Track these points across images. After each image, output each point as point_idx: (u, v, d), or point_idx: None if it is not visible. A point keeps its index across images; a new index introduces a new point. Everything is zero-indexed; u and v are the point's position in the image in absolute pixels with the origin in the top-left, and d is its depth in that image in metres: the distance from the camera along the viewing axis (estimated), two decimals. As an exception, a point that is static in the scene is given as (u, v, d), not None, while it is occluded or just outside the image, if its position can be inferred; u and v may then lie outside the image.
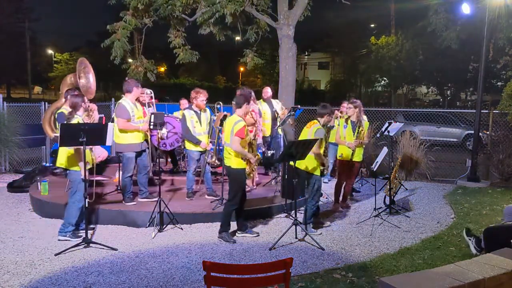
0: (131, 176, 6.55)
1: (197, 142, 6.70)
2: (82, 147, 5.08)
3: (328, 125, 6.42)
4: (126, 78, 11.52)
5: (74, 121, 5.37)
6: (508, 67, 14.95)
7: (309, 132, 5.79)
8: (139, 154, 6.47)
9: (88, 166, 5.42)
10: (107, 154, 7.84)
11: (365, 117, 8.09)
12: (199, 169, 7.05)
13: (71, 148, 5.28)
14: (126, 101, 6.41)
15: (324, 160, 5.82)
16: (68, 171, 5.54)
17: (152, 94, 6.88)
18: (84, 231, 5.59)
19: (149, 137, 6.61)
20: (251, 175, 5.52)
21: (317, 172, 5.81)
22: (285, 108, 8.38)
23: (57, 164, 5.58)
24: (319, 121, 5.83)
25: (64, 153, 5.41)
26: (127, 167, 6.46)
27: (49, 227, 6.00)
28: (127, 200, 6.48)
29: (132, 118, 6.34)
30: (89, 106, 6.37)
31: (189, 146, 6.81)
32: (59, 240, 5.42)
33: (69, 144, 5.20)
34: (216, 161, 6.99)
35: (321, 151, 5.80)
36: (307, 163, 5.75)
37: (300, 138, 5.96)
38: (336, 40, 37.36)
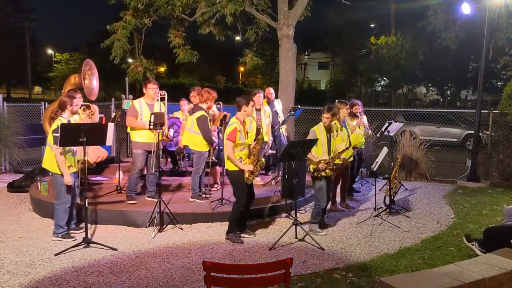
0: (140, 174, 6.56)
1: (213, 143, 6.79)
2: (61, 150, 5.15)
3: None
4: (126, 79, 11.57)
5: (55, 123, 5.26)
6: (508, 67, 14.93)
7: None
8: (149, 153, 6.46)
9: (73, 170, 5.43)
10: (107, 154, 7.87)
11: (365, 117, 8.08)
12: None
13: (53, 150, 5.26)
14: (139, 100, 6.57)
15: (317, 163, 5.70)
16: (51, 173, 5.53)
17: (165, 95, 6.89)
18: (74, 231, 5.64)
19: (166, 135, 6.60)
20: (250, 178, 5.35)
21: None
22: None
23: (43, 165, 5.57)
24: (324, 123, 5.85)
25: (48, 155, 5.41)
26: (134, 163, 6.57)
27: (49, 227, 5.97)
28: (129, 198, 6.51)
29: (140, 117, 6.41)
30: (82, 108, 6.42)
31: (202, 147, 6.73)
32: (52, 240, 5.46)
33: (69, 144, 5.21)
34: (213, 158, 7.11)
35: (318, 153, 5.76)
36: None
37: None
38: (336, 40, 37.39)
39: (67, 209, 5.45)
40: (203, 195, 6.92)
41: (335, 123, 5.96)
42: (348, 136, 6.33)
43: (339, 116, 6.24)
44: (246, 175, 5.30)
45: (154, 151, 6.33)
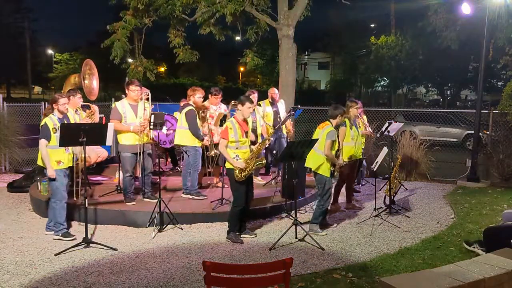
0: (132, 176, 6.54)
1: (202, 139, 6.76)
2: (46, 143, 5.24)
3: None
4: (126, 78, 11.58)
5: (43, 120, 5.32)
6: (508, 67, 14.92)
7: (320, 133, 5.75)
8: (138, 155, 6.41)
9: (63, 166, 5.42)
10: (107, 154, 7.87)
11: (365, 117, 8.08)
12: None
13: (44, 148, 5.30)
14: (122, 102, 6.45)
15: (335, 161, 5.75)
16: (44, 170, 5.54)
17: (149, 96, 6.86)
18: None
19: (150, 137, 6.55)
20: (240, 175, 5.30)
21: (323, 172, 5.76)
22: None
23: (38, 162, 5.60)
24: (331, 122, 5.80)
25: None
26: (123, 166, 6.49)
27: (49, 227, 5.99)
28: (127, 199, 6.48)
29: (124, 119, 6.29)
30: (74, 110, 6.41)
31: (195, 142, 6.72)
32: (53, 239, 5.46)
33: (69, 144, 5.22)
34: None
35: (333, 152, 5.78)
36: (311, 161, 5.76)
37: (313, 138, 5.87)
38: (336, 40, 37.37)
39: (64, 205, 5.47)
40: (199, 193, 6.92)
41: (344, 122, 5.99)
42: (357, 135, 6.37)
43: (350, 115, 6.26)
44: (236, 172, 5.28)
45: (141, 152, 6.31)
